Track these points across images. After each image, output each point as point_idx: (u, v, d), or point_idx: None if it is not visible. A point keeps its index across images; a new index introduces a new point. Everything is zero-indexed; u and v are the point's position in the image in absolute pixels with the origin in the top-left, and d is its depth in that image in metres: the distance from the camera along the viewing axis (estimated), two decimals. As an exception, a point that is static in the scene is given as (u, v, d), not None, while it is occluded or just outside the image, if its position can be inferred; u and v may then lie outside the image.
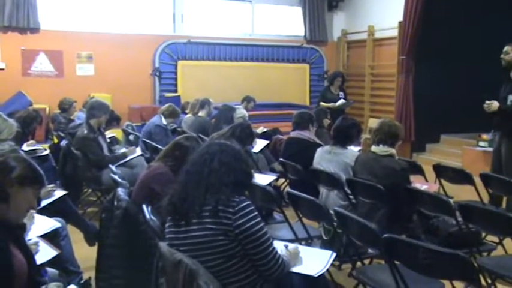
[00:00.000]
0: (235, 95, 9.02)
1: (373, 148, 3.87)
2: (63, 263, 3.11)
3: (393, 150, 3.80)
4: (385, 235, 2.54)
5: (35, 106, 8.12)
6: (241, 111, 6.85)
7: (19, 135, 4.85)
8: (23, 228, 2.20)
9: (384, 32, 9.92)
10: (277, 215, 4.57)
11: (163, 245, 2.38)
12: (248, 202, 2.29)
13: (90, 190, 5.94)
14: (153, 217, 2.89)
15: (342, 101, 8.34)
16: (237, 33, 10.56)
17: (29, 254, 2.15)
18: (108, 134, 6.40)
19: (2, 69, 8.67)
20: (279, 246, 2.48)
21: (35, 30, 8.80)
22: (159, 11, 10.01)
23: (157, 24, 9.96)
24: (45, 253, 2.65)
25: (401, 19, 9.16)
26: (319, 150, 4.53)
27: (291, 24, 11.06)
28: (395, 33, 9.43)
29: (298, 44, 10.84)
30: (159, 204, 2.95)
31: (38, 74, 8.99)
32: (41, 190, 2.23)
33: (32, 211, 2.66)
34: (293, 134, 5.31)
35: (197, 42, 9.94)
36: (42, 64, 9.00)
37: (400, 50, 9.23)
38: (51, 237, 3.09)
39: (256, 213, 2.29)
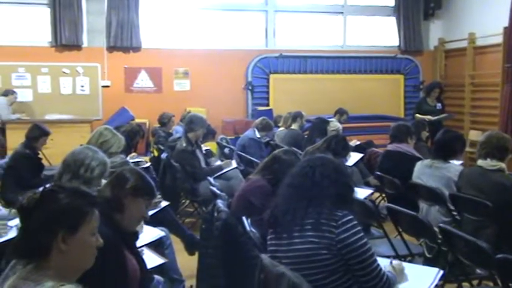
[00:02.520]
0: (327, 108, 8.96)
1: (480, 162, 3.66)
2: (168, 271, 3.24)
3: (503, 165, 3.57)
4: (499, 255, 2.37)
5: (137, 120, 8.61)
6: (335, 124, 6.79)
7: (125, 149, 5.15)
8: (135, 236, 2.32)
9: (486, 39, 9.38)
10: (374, 230, 4.45)
11: (265, 257, 2.40)
12: (351, 216, 2.25)
13: (187, 201, 6.15)
14: (253, 229, 2.93)
15: (444, 114, 7.99)
16: (329, 45, 10.51)
17: (140, 260, 2.26)
18: (203, 147, 6.61)
19: (108, 86, 9.30)
20: (382, 262, 2.41)
21: (137, 49, 9.36)
22: (251, 27, 10.24)
23: (249, 39, 10.19)
24: (152, 260, 2.77)
25: (506, 24, 8.62)
26: (418, 164, 4.36)
27: (384, 35, 10.83)
28: (499, 40, 8.88)
29: (392, 55, 10.57)
30: (259, 217, 3.00)
31: (139, 90, 9.52)
32: (151, 201, 2.34)
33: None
34: (391, 147, 5.15)
35: (289, 56, 10.02)
36: (143, 81, 9.52)
37: (505, 58, 8.68)
38: (155, 246, 3.23)
39: (359, 227, 2.25)
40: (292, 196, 2.36)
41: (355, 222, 2.24)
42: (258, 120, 7.09)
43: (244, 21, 10.19)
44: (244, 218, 3.07)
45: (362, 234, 2.23)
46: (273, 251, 2.37)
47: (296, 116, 7.42)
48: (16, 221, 3.21)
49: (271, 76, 9.97)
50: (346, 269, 2.20)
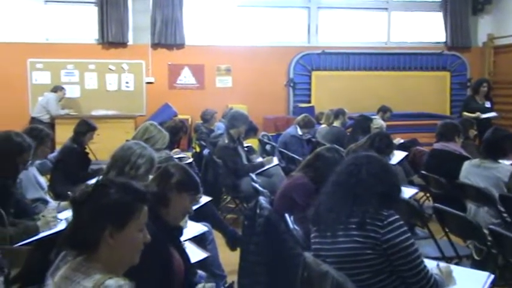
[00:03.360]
0: (370, 105, 8.82)
1: (532, 163, 3.52)
2: (210, 266, 3.26)
3: (556, 166, 3.42)
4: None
5: (179, 117, 8.72)
6: (378, 121, 6.68)
7: (168, 145, 5.22)
8: (179, 231, 2.34)
9: (538, 35, 9.03)
10: (418, 230, 4.35)
11: (308, 255, 2.38)
12: (397, 216, 2.21)
13: (229, 197, 6.18)
14: (295, 226, 2.91)
15: (493, 114, 7.72)
16: (372, 41, 10.35)
17: (184, 254, 2.29)
18: (245, 143, 6.63)
19: (152, 82, 9.46)
20: (428, 264, 2.35)
21: (180, 46, 9.48)
22: (293, 23, 10.19)
23: (291, 36, 10.15)
24: (195, 255, 2.79)
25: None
26: (466, 164, 4.23)
27: (429, 31, 10.57)
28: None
29: (438, 51, 10.31)
30: (302, 215, 2.98)
31: (182, 87, 9.65)
32: (196, 196, 2.36)
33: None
34: (437, 146, 5.02)
35: (331, 53, 9.93)
36: (186, 77, 9.65)
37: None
38: (198, 241, 3.26)
39: (405, 228, 2.20)
40: (336, 194, 2.33)
41: (401, 222, 2.20)
42: (299, 117, 7.05)
43: (286, 18, 10.16)
44: (287, 215, 3.05)
45: (408, 234, 2.18)
46: (317, 249, 2.35)
47: (338, 113, 7.34)
48: (65, 214, 3.31)
49: (313, 73, 9.91)
50: (393, 269, 2.16)
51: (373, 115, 7.61)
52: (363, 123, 6.62)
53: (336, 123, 7.27)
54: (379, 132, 5.18)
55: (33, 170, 3.73)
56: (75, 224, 1.63)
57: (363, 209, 2.21)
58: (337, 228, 2.25)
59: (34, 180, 3.67)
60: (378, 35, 10.44)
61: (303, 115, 7.09)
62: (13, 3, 9.06)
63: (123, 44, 9.30)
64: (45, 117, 8.35)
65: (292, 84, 9.89)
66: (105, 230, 1.59)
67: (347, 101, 8.89)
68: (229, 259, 3.88)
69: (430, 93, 10.20)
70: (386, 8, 10.34)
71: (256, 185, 4.00)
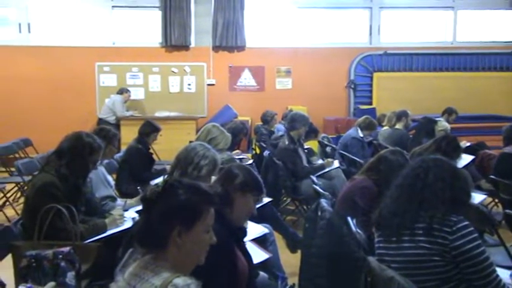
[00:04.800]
0: (434, 107, 8.57)
1: None
2: (271, 267, 3.26)
3: None
4: None
5: (240, 118, 8.81)
6: (443, 124, 6.47)
7: (229, 146, 5.28)
8: (243, 231, 2.36)
9: None
10: (487, 237, 4.17)
11: (372, 260, 2.33)
12: (467, 222, 2.12)
13: (289, 199, 6.17)
14: (358, 230, 2.86)
15: None
16: (437, 41, 10.04)
17: (248, 255, 2.30)
18: (305, 145, 6.59)
19: (213, 84, 9.62)
20: (500, 274, 2.24)
21: (241, 48, 9.59)
22: (355, 24, 10.06)
23: (352, 37, 10.01)
24: (257, 255, 2.80)
25: None
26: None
27: (498, 30, 10.11)
28: None
29: (507, 51, 9.84)
30: (364, 218, 2.93)
31: (242, 89, 9.75)
32: (259, 197, 2.37)
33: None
34: (508, 150, 4.80)
35: (394, 53, 9.72)
36: (246, 79, 9.74)
37: None
38: (259, 243, 3.27)
39: (476, 234, 2.11)
40: (401, 197, 2.28)
41: (472, 228, 2.11)
42: (360, 119, 6.93)
43: (347, 19, 10.04)
44: (349, 219, 3.01)
45: (479, 241, 2.09)
46: (381, 254, 2.30)
47: (401, 115, 7.16)
48: (131, 213, 3.42)
49: (375, 74, 9.75)
50: (462, 278, 2.08)
51: (438, 117, 7.38)
52: (427, 125, 6.43)
53: (398, 126, 7.09)
54: (445, 135, 5.00)
55: (101, 169, 3.87)
56: (145, 222, 1.67)
57: (430, 214, 2.14)
58: (402, 233, 2.20)
59: (103, 178, 3.80)
60: (443, 34, 10.11)
61: (364, 117, 6.96)
62: (82, 10, 9.49)
63: (185, 47, 9.52)
64: (111, 118, 8.67)
65: (352, 86, 9.76)
66: (174, 230, 1.62)
67: (410, 103, 8.65)
68: (290, 261, 3.87)
69: (498, 94, 9.77)
70: (452, 7, 10.00)
71: (317, 187, 3.96)
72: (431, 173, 2.23)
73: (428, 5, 10.05)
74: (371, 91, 9.80)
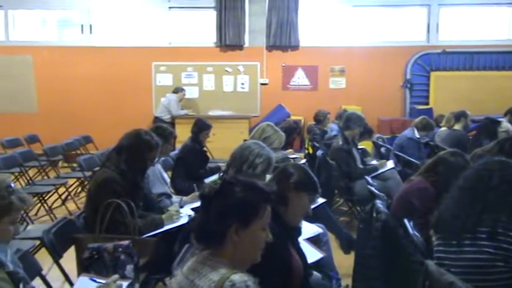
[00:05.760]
0: (496, 107, 8.23)
1: None
2: (324, 268, 3.24)
3: None
4: None
5: (292, 117, 8.80)
6: (505, 125, 6.21)
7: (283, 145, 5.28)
8: (298, 231, 2.36)
9: None
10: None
11: (430, 264, 2.27)
12: (534, 227, 2.03)
13: (341, 200, 6.10)
14: (415, 232, 2.79)
15: None
16: (499, 39, 9.64)
17: (302, 255, 2.29)
18: (359, 146, 6.49)
19: (266, 84, 9.65)
20: None
21: (295, 47, 9.57)
22: (411, 21, 9.82)
23: (409, 35, 9.78)
24: (311, 255, 2.79)
25: None
26: None
27: None
28: None
29: None
30: (422, 220, 2.85)
31: (295, 88, 9.73)
32: (314, 196, 2.36)
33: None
34: None
35: (453, 52, 9.41)
36: (299, 78, 9.71)
37: None
38: (313, 242, 3.25)
39: (544, 241, 2.02)
40: (463, 200, 2.21)
41: (540, 234, 2.02)
42: (417, 120, 6.75)
43: (403, 17, 9.81)
44: (406, 221, 2.94)
45: (547, 248, 2.00)
46: (440, 257, 2.24)
47: (460, 116, 6.92)
48: (186, 210, 3.50)
49: (432, 73, 9.49)
50: (527, 285, 1.99)
51: (500, 118, 7.08)
52: (489, 126, 6.19)
53: (457, 126, 6.85)
54: (509, 137, 4.78)
55: (158, 166, 3.97)
56: (203, 219, 1.70)
57: (494, 218, 2.07)
58: (464, 237, 2.13)
59: (160, 175, 3.90)
60: (505, 31, 9.69)
61: (421, 117, 6.78)
62: (141, 11, 9.76)
63: (239, 47, 9.60)
64: (167, 117, 8.85)
65: (409, 85, 9.54)
66: (231, 227, 1.64)
67: (469, 103, 8.34)
68: (343, 262, 3.83)
69: None
70: (515, 3, 9.58)
71: (372, 188, 3.90)
72: (495, 175, 2.15)
73: (490, 1, 9.66)
74: (428, 91, 9.53)
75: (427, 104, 9.41)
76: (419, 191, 3.27)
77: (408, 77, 9.54)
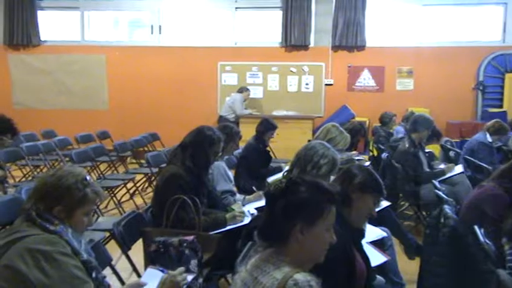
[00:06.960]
0: None
1: None
2: (388, 272, 3.17)
3: None
4: None
5: (357, 119, 8.66)
6: None
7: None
8: (362, 233, 2.32)
9: None
10: None
11: (502, 273, 2.18)
12: None
13: (406, 204, 5.95)
14: (487, 240, 2.68)
15: None
16: None
17: (366, 258, 2.26)
18: (426, 149, 6.29)
19: (331, 84, 9.56)
20: None
21: (361, 48, 9.41)
22: (485, 21, 9.39)
23: (482, 35, 9.36)
24: (375, 258, 2.74)
25: None
26: None
27: None
28: None
29: None
30: (494, 228, 2.73)
31: (360, 89, 9.56)
32: (379, 198, 2.32)
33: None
34: None
35: (531, 52, 8.93)
36: (365, 79, 9.54)
37: None
38: (377, 246, 3.19)
39: None
40: (540, 209, 2.09)
41: None
42: (490, 123, 6.45)
43: (476, 16, 9.40)
44: (476, 228, 2.82)
45: None
46: (514, 268, 2.13)
47: (537, 120, 6.55)
48: (249, 208, 3.53)
49: (507, 75, 9.04)
50: None
51: None
52: None
53: (534, 131, 6.49)
54: None
55: (223, 164, 4.03)
56: (268, 217, 1.71)
57: None
58: (540, 247, 2.02)
59: (224, 173, 3.96)
60: None
61: (494, 120, 6.47)
62: (207, 12, 9.95)
63: (304, 47, 9.56)
64: (231, 116, 8.97)
65: (481, 88, 9.13)
66: (296, 226, 1.65)
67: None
68: (407, 267, 3.74)
69: None
70: None
71: (440, 193, 3.76)
72: None
73: None
74: (502, 93, 9.08)
75: (501, 107, 8.97)
76: (491, 198, 3.13)
77: (481, 78, 9.13)
